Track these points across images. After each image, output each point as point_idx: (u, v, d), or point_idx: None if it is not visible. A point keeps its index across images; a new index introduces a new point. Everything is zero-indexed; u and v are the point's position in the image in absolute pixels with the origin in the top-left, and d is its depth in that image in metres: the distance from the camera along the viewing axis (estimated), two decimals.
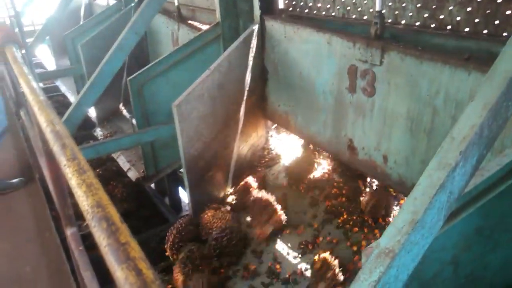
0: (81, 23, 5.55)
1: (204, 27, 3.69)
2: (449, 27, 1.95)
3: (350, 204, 2.68)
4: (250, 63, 3.01)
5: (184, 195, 5.00)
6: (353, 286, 1.22)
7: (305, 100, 2.81)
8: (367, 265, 1.22)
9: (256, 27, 2.95)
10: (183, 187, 4.97)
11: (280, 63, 2.93)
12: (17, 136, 3.78)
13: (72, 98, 5.76)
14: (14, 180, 3.40)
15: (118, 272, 0.56)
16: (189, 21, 4.06)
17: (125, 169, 4.21)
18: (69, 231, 1.54)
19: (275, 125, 3.68)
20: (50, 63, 7.06)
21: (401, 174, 2.22)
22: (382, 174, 2.35)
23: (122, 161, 4.32)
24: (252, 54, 2.99)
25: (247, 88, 3.06)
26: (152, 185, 4.37)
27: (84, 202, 0.72)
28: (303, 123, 2.91)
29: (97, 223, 0.65)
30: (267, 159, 3.46)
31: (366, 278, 1.20)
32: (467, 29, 1.89)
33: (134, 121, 3.88)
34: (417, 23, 2.09)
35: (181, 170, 5.04)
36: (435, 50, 1.97)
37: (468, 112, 1.13)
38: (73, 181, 0.79)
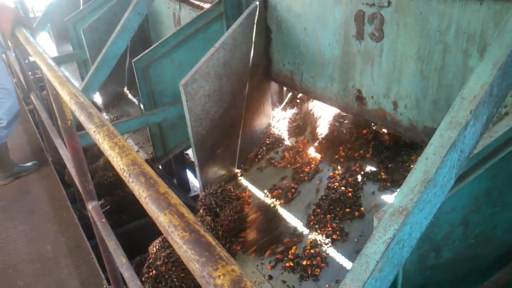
0: (81, 8, 5.52)
1: (206, 6, 3.68)
2: None
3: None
4: (254, 39, 3.02)
5: (191, 176, 5.07)
6: (369, 245, 1.27)
7: (310, 55, 2.79)
8: (381, 224, 1.26)
9: (258, 2, 2.95)
10: (190, 168, 5.05)
11: (284, 20, 2.90)
12: (27, 121, 3.84)
13: (77, 84, 5.77)
14: (28, 164, 3.48)
15: (161, 217, 0.60)
16: (191, 0, 4.04)
17: None
18: (91, 205, 1.60)
19: (283, 103, 3.70)
20: (51, 51, 7.05)
21: (412, 119, 2.24)
22: (392, 121, 2.36)
23: (130, 144, 4.38)
24: (255, 30, 2.99)
25: (252, 64, 3.07)
26: (160, 167, 4.43)
27: (119, 162, 0.76)
28: (309, 80, 2.90)
29: (135, 178, 0.70)
30: (270, 139, 3.48)
31: (380, 236, 1.25)
32: None
33: (141, 105, 3.91)
34: None
35: (187, 152, 5.13)
36: None
37: (478, 72, 1.15)
38: (105, 145, 0.83)
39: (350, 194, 2.61)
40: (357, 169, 2.78)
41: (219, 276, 0.49)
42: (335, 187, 2.70)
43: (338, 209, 2.55)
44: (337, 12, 2.45)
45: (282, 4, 2.86)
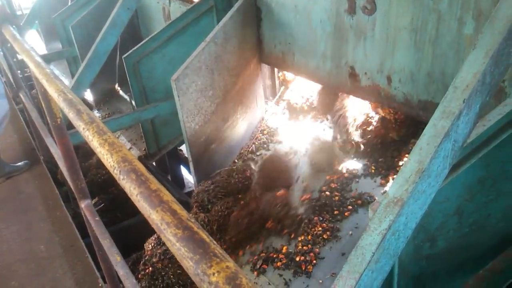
0: (69, 4, 5.44)
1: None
2: None
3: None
4: (245, 32, 2.99)
5: (185, 172, 5.05)
6: (364, 236, 1.26)
7: (302, 34, 2.75)
8: (377, 215, 1.26)
9: None
10: (184, 164, 5.02)
11: None
12: (17, 120, 3.80)
13: (67, 82, 5.71)
14: (20, 163, 3.45)
15: (153, 215, 0.59)
16: None
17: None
18: (84, 203, 1.58)
19: (276, 96, 3.68)
20: (40, 49, 6.95)
21: (406, 93, 2.21)
22: (387, 97, 2.33)
23: (123, 141, 4.34)
24: (246, 22, 2.96)
25: (244, 58, 3.05)
26: (153, 164, 4.40)
27: (109, 159, 0.75)
28: (301, 60, 2.86)
29: (126, 175, 0.68)
30: (262, 137, 3.44)
31: (376, 228, 1.24)
32: None
33: (133, 101, 3.87)
34: None
35: (181, 148, 5.09)
36: None
37: (470, 60, 1.14)
38: (95, 142, 0.81)
39: (337, 198, 2.54)
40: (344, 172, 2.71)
41: (213, 274, 0.48)
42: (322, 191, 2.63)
43: (325, 213, 2.48)
44: None
45: None
